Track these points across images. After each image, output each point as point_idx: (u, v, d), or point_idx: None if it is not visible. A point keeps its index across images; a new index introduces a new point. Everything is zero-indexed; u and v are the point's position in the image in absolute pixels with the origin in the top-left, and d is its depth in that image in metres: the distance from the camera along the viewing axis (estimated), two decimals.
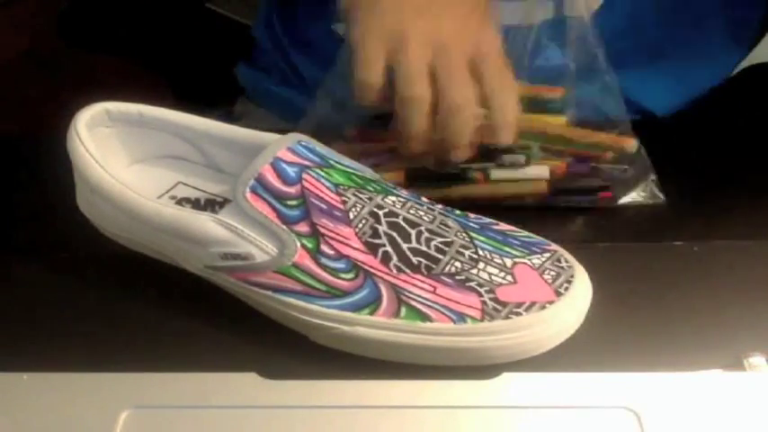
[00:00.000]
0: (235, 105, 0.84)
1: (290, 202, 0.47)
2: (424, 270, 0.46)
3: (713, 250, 0.54)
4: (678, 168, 0.67)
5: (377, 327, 0.45)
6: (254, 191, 0.46)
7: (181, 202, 0.53)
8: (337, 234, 0.47)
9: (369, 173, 0.51)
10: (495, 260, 0.47)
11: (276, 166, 0.47)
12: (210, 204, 0.48)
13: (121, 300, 0.53)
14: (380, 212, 0.48)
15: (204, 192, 0.54)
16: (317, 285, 0.46)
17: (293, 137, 0.49)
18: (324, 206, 0.47)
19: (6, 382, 0.45)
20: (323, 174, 0.48)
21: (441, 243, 0.47)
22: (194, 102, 0.82)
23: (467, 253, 0.47)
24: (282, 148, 0.48)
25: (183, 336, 0.50)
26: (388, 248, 0.47)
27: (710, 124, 0.75)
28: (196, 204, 0.53)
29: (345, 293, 0.46)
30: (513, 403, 0.42)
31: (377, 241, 0.47)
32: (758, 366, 0.45)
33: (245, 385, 0.43)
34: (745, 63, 0.86)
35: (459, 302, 0.45)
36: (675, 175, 0.65)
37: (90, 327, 0.51)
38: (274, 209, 0.46)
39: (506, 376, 0.43)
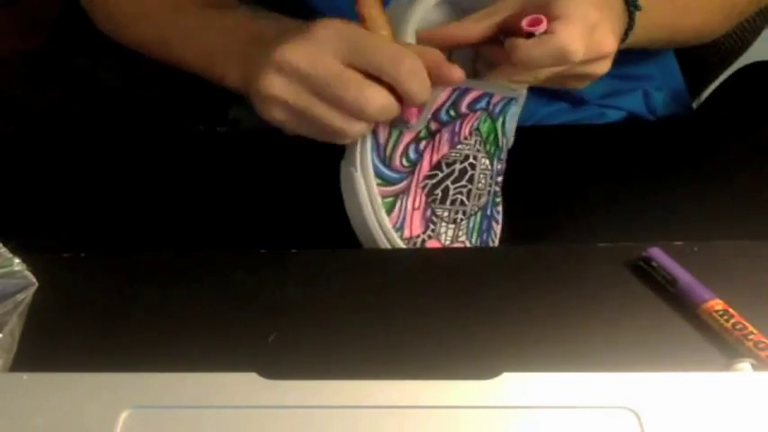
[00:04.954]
0: (230, 110, 0.85)
1: (448, 111, 0.57)
2: (439, 201, 0.59)
3: (713, 250, 0.54)
4: (677, 167, 0.67)
5: (372, 196, 0.57)
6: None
7: None
8: (435, 145, 0.58)
9: (505, 143, 0.61)
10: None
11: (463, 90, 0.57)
12: None
13: (122, 300, 0.53)
14: (468, 163, 0.59)
15: None
16: (389, 151, 0.57)
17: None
18: (456, 127, 0.58)
19: (6, 382, 0.45)
20: (483, 118, 0.59)
21: (465, 198, 0.60)
22: (192, 106, 0.82)
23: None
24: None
25: (183, 336, 0.50)
26: (444, 180, 0.59)
27: (709, 123, 0.75)
28: None
29: (392, 168, 0.57)
30: (513, 403, 0.42)
31: (444, 169, 0.58)
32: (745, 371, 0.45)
33: (245, 385, 0.43)
34: (743, 61, 0.86)
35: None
36: (675, 174, 0.65)
37: (90, 327, 0.51)
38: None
39: (506, 376, 0.43)
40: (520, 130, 0.63)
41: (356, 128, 0.54)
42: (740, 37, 0.87)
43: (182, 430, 0.42)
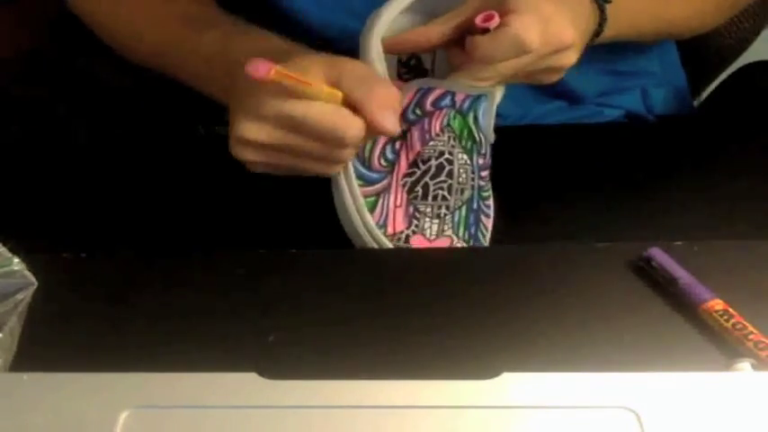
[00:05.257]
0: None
1: (413, 110, 0.59)
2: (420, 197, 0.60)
3: (713, 250, 0.54)
4: (677, 166, 0.67)
5: (355, 196, 0.59)
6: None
7: None
8: (408, 143, 0.60)
9: (484, 138, 0.62)
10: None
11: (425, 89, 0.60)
12: None
13: (122, 300, 0.53)
14: (444, 158, 0.60)
15: None
16: (366, 153, 0.59)
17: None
18: (425, 125, 0.59)
19: (6, 382, 0.45)
20: (451, 114, 0.60)
21: (446, 193, 0.60)
22: (191, 107, 0.82)
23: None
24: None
25: (182, 336, 0.50)
26: (422, 176, 0.60)
27: (709, 122, 0.75)
28: None
29: (372, 169, 0.59)
30: (513, 403, 0.42)
31: (421, 166, 0.60)
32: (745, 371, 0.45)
33: (245, 385, 0.43)
34: (743, 61, 0.86)
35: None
36: (675, 174, 0.65)
37: (90, 327, 0.51)
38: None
39: (506, 376, 0.43)
40: (518, 130, 0.63)
41: (335, 168, 0.58)
42: (740, 37, 0.87)
43: (182, 430, 0.42)
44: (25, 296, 0.50)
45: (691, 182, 0.66)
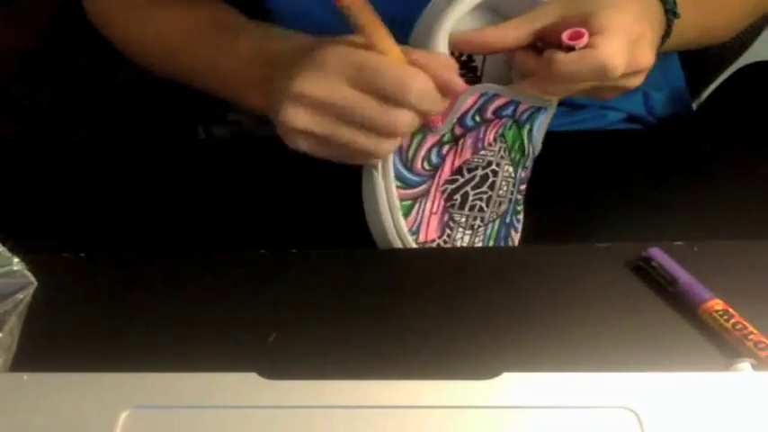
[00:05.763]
0: (229, 114, 0.85)
1: (473, 117, 0.56)
2: (458, 207, 0.59)
3: (713, 250, 0.54)
4: (678, 167, 0.67)
5: (391, 198, 0.57)
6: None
7: None
8: (458, 150, 0.58)
9: (531, 150, 0.61)
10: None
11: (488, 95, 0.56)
12: None
13: (122, 300, 0.53)
14: (490, 169, 0.59)
15: None
16: (411, 153, 0.56)
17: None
18: (480, 133, 0.57)
19: (6, 382, 0.45)
20: (508, 124, 0.58)
21: (484, 205, 0.59)
22: (190, 107, 0.82)
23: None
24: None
25: (182, 336, 0.50)
26: (464, 185, 0.59)
27: (709, 123, 0.75)
28: None
29: (413, 171, 0.57)
30: (513, 403, 0.42)
31: (465, 174, 0.58)
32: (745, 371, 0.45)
33: (245, 385, 0.43)
34: (743, 61, 0.86)
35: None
36: (675, 174, 0.65)
37: (90, 327, 0.51)
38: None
39: (506, 376, 0.43)
40: None
41: (385, 147, 0.54)
42: (740, 37, 0.87)
43: (182, 430, 0.42)
44: (25, 296, 0.50)
45: (691, 182, 0.66)
